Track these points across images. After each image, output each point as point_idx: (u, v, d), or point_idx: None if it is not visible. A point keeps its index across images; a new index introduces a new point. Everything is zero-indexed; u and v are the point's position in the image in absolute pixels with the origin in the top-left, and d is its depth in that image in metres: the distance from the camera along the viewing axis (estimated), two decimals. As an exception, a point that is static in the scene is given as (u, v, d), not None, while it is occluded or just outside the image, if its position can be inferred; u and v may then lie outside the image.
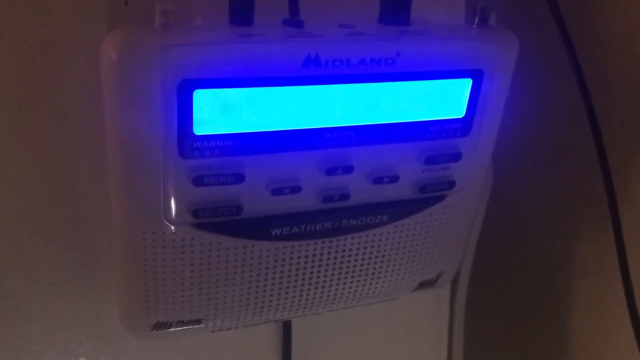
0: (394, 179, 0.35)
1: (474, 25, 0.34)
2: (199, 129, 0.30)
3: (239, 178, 0.31)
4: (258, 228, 0.34)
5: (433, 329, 0.52)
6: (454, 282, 0.51)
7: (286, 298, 0.38)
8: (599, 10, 0.45)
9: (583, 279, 0.51)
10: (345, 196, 0.35)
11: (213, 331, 0.38)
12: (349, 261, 0.38)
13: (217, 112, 0.30)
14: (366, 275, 0.39)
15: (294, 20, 0.32)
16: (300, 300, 0.38)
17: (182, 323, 0.37)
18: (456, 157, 0.36)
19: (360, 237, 0.37)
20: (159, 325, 0.36)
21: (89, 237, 0.39)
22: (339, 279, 0.38)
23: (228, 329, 0.39)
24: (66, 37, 0.34)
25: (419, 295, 0.49)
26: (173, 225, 0.32)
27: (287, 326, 0.46)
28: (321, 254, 0.37)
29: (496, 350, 0.59)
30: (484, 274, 0.54)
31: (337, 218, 0.35)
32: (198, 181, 0.31)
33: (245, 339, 0.46)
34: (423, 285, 0.43)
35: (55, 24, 0.34)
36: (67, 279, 0.40)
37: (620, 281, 0.42)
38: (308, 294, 0.38)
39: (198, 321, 0.37)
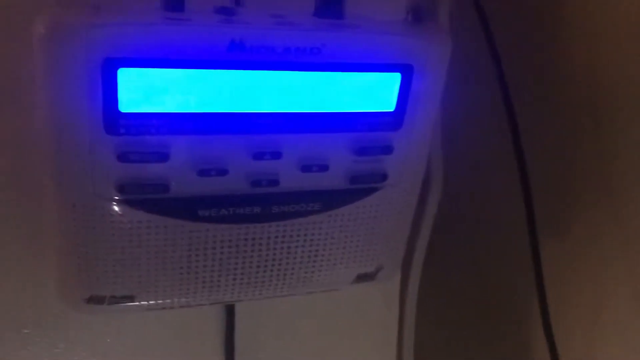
0: (323, 168, 0.36)
1: (407, 22, 0.35)
2: (124, 107, 0.31)
3: (163, 157, 0.33)
4: (185, 208, 0.35)
5: (381, 328, 0.52)
6: (404, 281, 0.51)
7: (219, 281, 0.39)
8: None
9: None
10: (274, 182, 0.36)
11: (148, 310, 0.39)
12: (282, 248, 0.39)
13: (142, 91, 0.31)
14: (300, 263, 0.40)
15: (225, 8, 0.33)
16: (234, 284, 0.39)
17: (114, 298, 0.38)
18: (387, 150, 0.37)
19: (293, 225, 0.38)
20: (93, 299, 0.37)
21: (34, 211, 0.40)
22: (272, 265, 0.39)
23: (163, 309, 0.40)
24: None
25: (365, 293, 0.50)
26: (101, 200, 0.33)
27: (230, 313, 0.47)
28: (253, 239, 0.38)
29: (448, 351, 0.59)
30: (437, 273, 0.54)
31: (267, 203, 0.36)
32: (123, 157, 0.32)
33: (188, 324, 0.47)
34: (362, 278, 0.43)
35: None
36: (11, 252, 0.41)
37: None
38: (242, 278, 0.39)
39: (131, 298, 0.38)
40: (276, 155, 0.35)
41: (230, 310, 0.46)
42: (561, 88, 0.46)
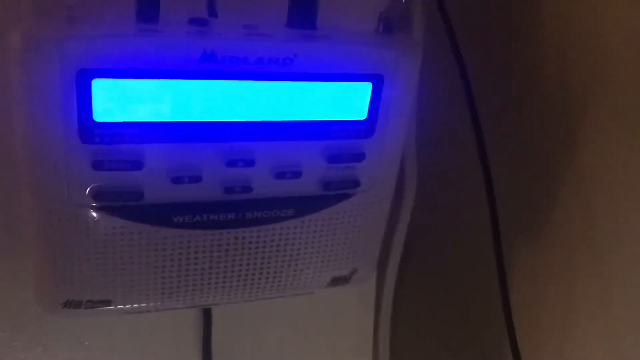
0: (296, 175, 0.37)
1: (378, 32, 0.36)
2: (99, 117, 0.32)
3: (137, 165, 0.33)
4: (160, 215, 0.35)
5: (357, 330, 0.53)
6: (380, 284, 0.52)
7: (194, 285, 0.39)
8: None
9: (514, 281, 0.52)
10: (247, 189, 0.36)
11: (125, 313, 0.40)
12: (256, 253, 0.39)
13: (117, 101, 0.32)
14: (275, 267, 0.41)
15: (199, 19, 0.34)
16: (209, 289, 0.40)
17: (91, 303, 0.38)
18: (359, 157, 0.38)
19: (267, 230, 0.39)
20: (70, 304, 0.38)
21: (11, 217, 0.41)
22: (247, 270, 0.40)
23: (140, 313, 0.40)
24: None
25: (343, 295, 0.51)
26: (77, 207, 0.34)
27: (207, 317, 0.47)
28: (228, 245, 0.38)
29: (424, 353, 0.60)
30: (413, 276, 0.55)
31: (241, 210, 0.37)
32: (97, 165, 0.33)
33: (166, 329, 0.48)
34: (337, 281, 0.44)
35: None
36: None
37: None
38: (217, 283, 0.40)
39: (108, 302, 0.38)
40: (249, 162, 0.36)
41: (207, 314, 0.47)
42: (530, 93, 0.47)
